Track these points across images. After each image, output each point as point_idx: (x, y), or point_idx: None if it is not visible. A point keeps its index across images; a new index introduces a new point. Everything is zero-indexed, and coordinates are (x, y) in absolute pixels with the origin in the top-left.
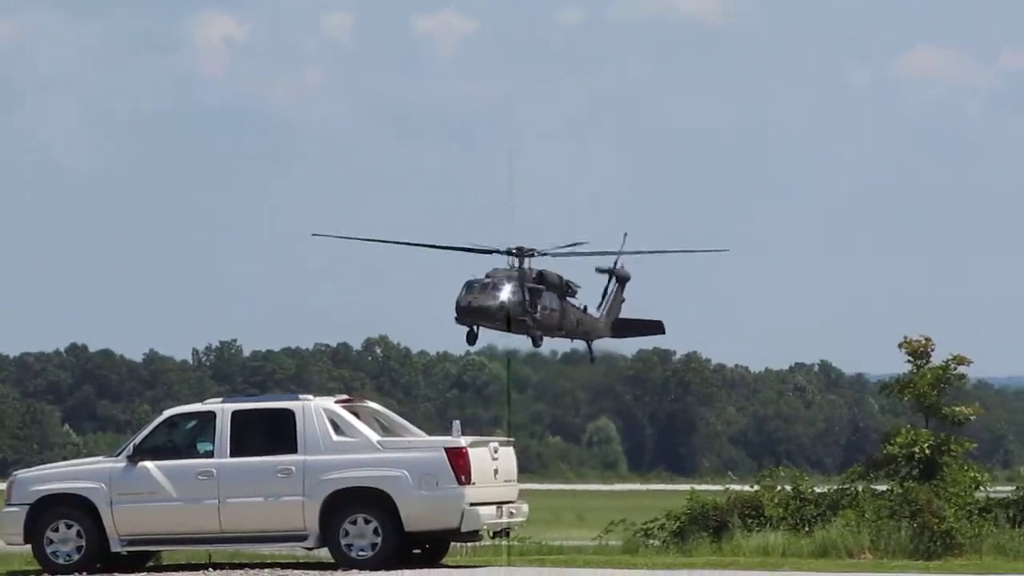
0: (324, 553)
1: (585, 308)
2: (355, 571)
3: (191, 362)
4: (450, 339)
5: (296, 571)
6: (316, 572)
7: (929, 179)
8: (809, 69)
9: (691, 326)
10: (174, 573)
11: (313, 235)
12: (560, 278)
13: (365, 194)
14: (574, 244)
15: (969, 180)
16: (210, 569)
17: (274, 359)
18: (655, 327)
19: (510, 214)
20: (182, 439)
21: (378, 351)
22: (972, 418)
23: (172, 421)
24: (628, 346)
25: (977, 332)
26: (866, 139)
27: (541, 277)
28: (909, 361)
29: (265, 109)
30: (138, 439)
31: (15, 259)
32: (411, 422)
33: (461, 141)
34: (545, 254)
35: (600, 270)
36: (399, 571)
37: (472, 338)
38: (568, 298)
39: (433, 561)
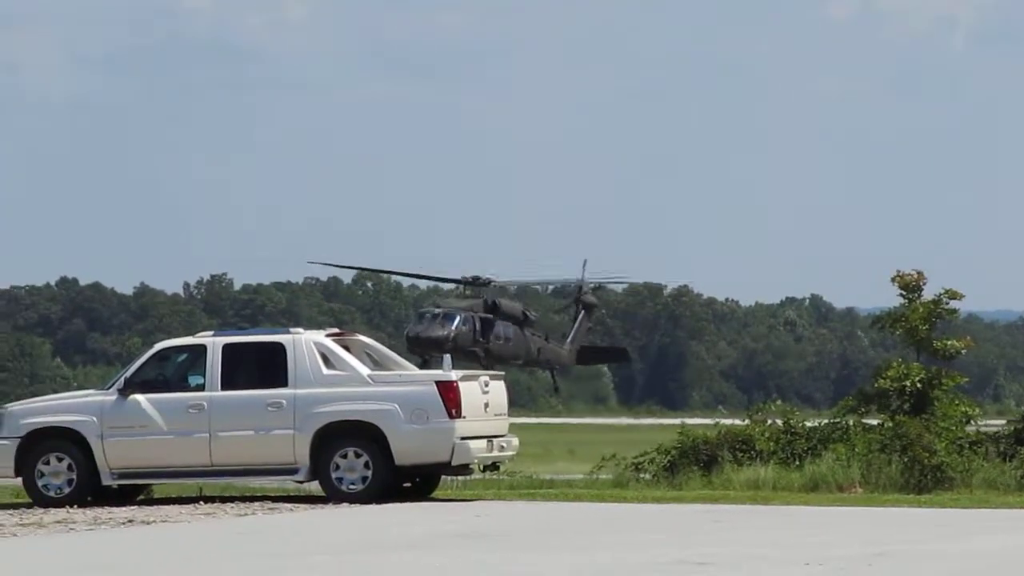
0: (315, 486)
1: (547, 337)
2: (346, 504)
3: (182, 295)
4: (441, 273)
5: (287, 504)
6: (307, 505)
7: (920, 114)
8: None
9: (682, 261)
10: (165, 506)
11: (309, 263)
12: (516, 306)
13: (348, 128)
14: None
15: (959, 115)
16: (201, 502)
17: (265, 293)
18: (619, 354)
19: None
20: (173, 372)
21: (369, 285)
22: (963, 352)
23: (163, 354)
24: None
25: (968, 267)
26: (855, 72)
27: (495, 306)
28: (901, 295)
29: (250, 41)
30: (129, 372)
31: (5, 193)
32: (402, 356)
33: (440, 77)
34: (492, 282)
35: (558, 292)
36: (389, 504)
37: (425, 365)
38: (526, 327)
39: (424, 494)
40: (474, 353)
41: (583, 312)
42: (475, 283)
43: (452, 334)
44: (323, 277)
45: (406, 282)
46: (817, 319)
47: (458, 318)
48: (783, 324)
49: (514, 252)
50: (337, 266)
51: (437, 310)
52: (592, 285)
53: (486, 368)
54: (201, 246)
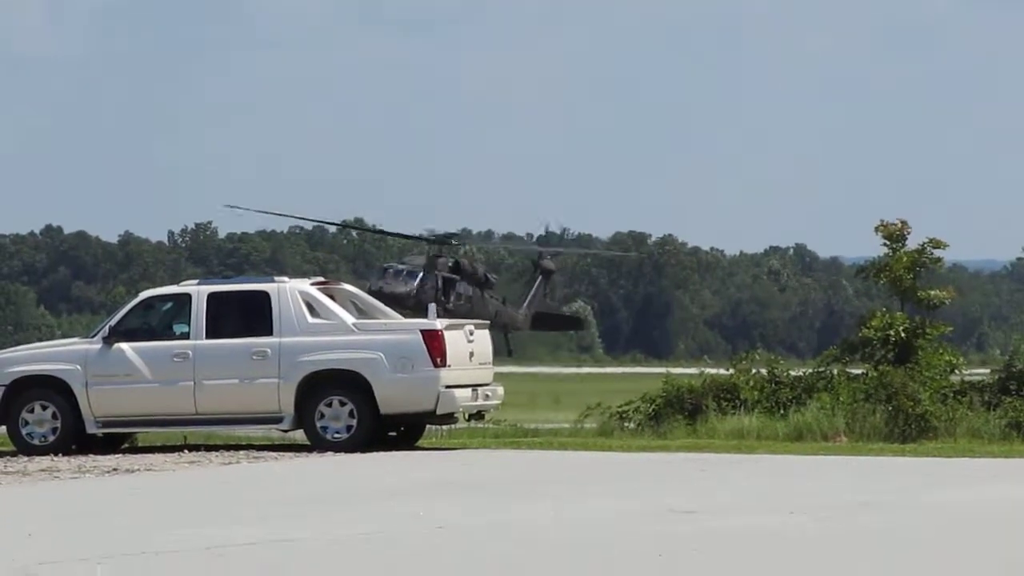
0: (300, 435)
1: (504, 300)
2: (330, 453)
3: (167, 244)
4: (425, 222)
5: (271, 453)
6: (291, 454)
7: (905, 64)
8: None
9: (666, 209)
10: (149, 455)
11: (225, 206)
12: (478, 268)
13: (332, 81)
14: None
15: (941, 66)
16: (185, 451)
17: (249, 241)
18: (574, 323)
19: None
20: (157, 321)
21: (353, 234)
22: (947, 302)
23: (148, 303)
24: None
25: (953, 216)
26: (842, 25)
27: (457, 266)
28: (885, 244)
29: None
30: (113, 321)
31: None
32: None
33: (424, 32)
34: (465, 243)
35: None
36: (374, 453)
37: None
38: (486, 289)
39: (409, 443)
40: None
41: (540, 277)
42: (439, 241)
43: (414, 291)
44: (308, 226)
45: (390, 230)
46: (802, 268)
47: (421, 275)
48: (767, 273)
49: (494, 203)
50: (256, 211)
51: (400, 266)
52: (553, 253)
53: None
54: (186, 194)
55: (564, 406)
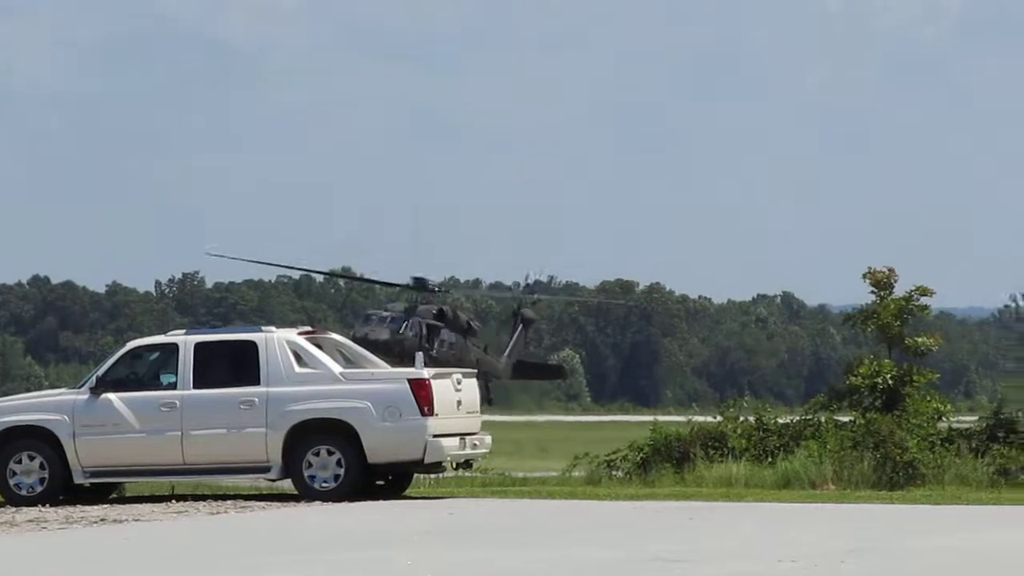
0: (287, 484)
1: (486, 348)
2: (318, 503)
3: (154, 293)
4: (413, 271)
5: (259, 503)
6: (279, 504)
7: (893, 111)
8: None
9: (654, 257)
10: (137, 505)
11: (207, 253)
12: (461, 315)
13: (328, 120)
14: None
15: (930, 113)
16: (173, 501)
17: (236, 291)
18: (555, 371)
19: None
20: (145, 371)
21: (341, 283)
22: (934, 349)
23: (135, 353)
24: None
25: (941, 264)
26: (830, 68)
27: (441, 314)
28: (872, 292)
29: (228, 35)
30: (101, 371)
31: None
32: None
33: (422, 65)
34: (448, 291)
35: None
36: (362, 502)
37: None
38: (469, 337)
39: (397, 492)
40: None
41: (521, 326)
42: (420, 288)
43: (399, 337)
44: (295, 275)
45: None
46: (789, 316)
47: (406, 321)
48: (755, 321)
49: (482, 249)
50: (237, 259)
51: (385, 313)
52: (533, 300)
53: None
54: (173, 244)
55: (552, 455)
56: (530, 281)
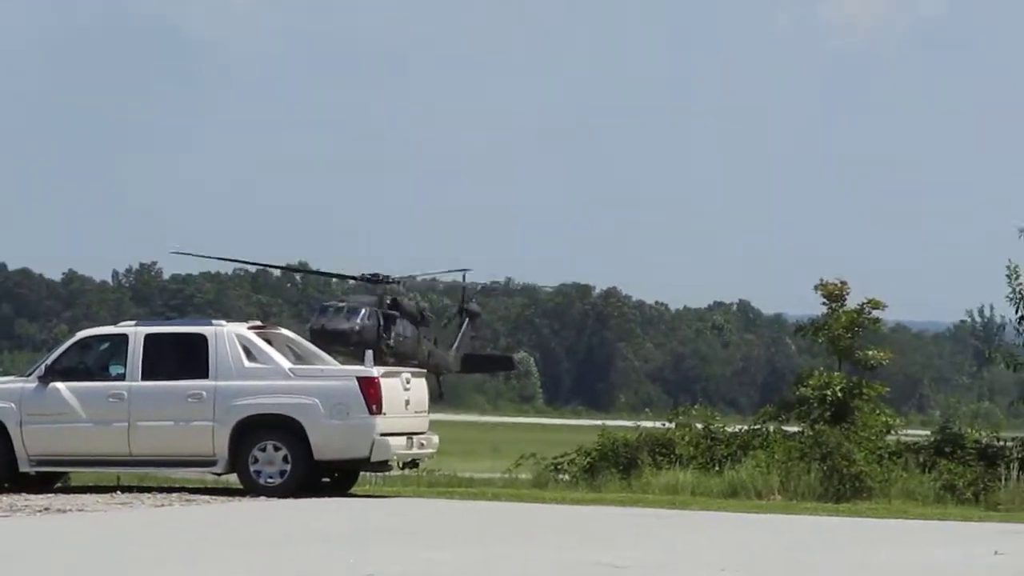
0: (233, 479)
1: (436, 341)
2: (263, 498)
3: (111, 283)
4: (371, 267)
5: (204, 496)
6: (224, 498)
7: (848, 123)
8: (731, 13)
9: (611, 263)
10: (82, 495)
11: (172, 252)
12: (416, 306)
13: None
14: (457, 270)
15: (887, 126)
16: (118, 492)
17: (193, 283)
18: (504, 363)
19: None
20: (94, 361)
21: (297, 278)
22: (885, 362)
23: (84, 343)
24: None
25: (899, 276)
26: (786, 82)
27: (396, 304)
28: (824, 303)
29: (187, 30)
30: (50, 360)
31: None
32: None
33: (378, 75)
34: (398, 281)
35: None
36: (307, 499)
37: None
38: (422, 327)
39: (342, 490)
40: (376, 349)
41: (467, 320)
42: (377, 280)
43: (357, 327)
44: (252, 269)
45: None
46: (745, 324)
47: (363, 311)
48: (711, 328)
49: (440, 253)
50: (202, 256)
51: (341, 304)
52: (477, 287)
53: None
54: (132, 235)
55: (502, 455)
56: (472, 284)
